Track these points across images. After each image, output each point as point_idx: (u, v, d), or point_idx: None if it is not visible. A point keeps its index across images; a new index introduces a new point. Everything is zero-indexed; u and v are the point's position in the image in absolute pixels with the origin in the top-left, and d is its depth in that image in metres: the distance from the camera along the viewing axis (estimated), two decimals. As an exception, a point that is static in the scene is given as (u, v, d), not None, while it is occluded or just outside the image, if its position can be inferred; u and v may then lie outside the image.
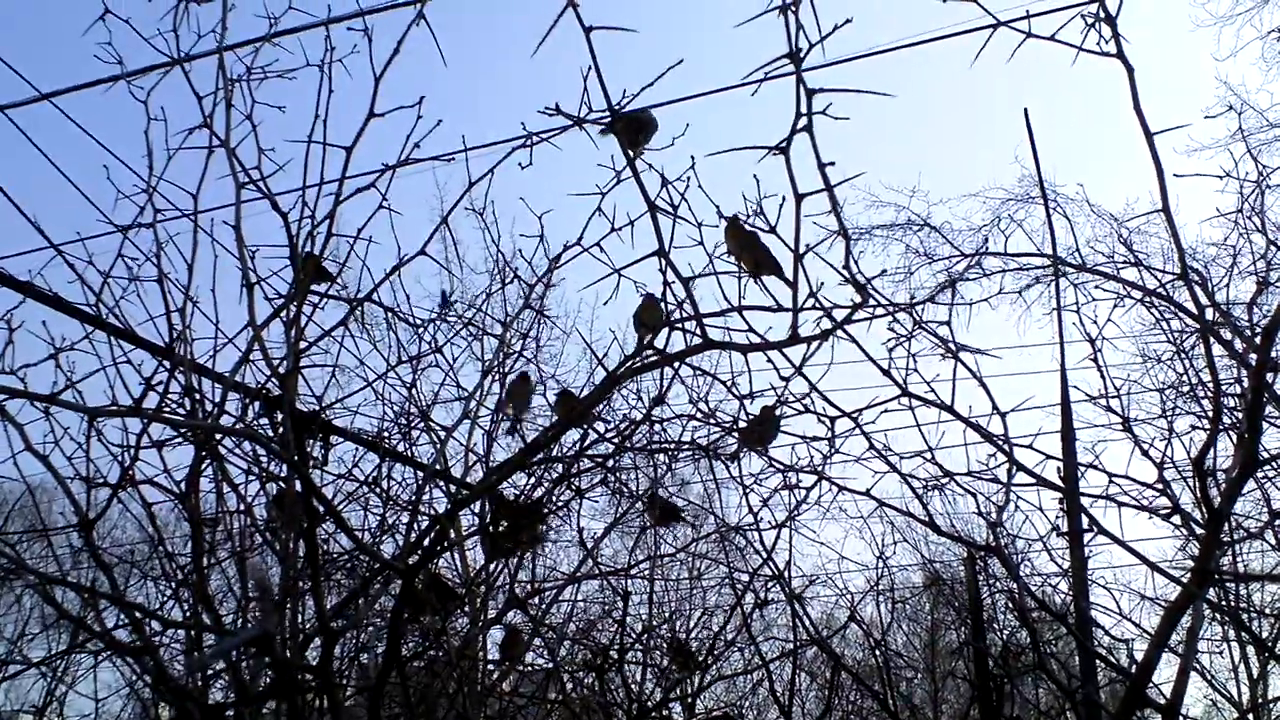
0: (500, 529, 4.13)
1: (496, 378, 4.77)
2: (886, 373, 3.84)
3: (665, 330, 3.57)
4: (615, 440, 4.24)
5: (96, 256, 4.25)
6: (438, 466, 4.39)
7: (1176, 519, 5.05)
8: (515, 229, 4.44)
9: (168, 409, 4.00)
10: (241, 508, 4.08)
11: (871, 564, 7.25)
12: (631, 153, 3.37)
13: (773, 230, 3.31)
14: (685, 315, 3.47)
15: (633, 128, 3.43)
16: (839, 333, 3.29)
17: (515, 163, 3.91)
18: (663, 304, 3.58)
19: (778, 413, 3.99)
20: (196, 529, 3.88)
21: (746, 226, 3.45)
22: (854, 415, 4.06)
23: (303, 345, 3.94)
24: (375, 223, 4.02)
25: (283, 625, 3.70)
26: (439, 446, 4.35)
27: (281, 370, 3.78)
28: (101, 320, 4.14)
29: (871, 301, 3.28)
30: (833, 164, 3.06)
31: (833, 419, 4.13)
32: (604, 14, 3.23)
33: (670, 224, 3.40)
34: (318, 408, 4.43)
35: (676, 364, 3.77)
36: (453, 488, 4.31)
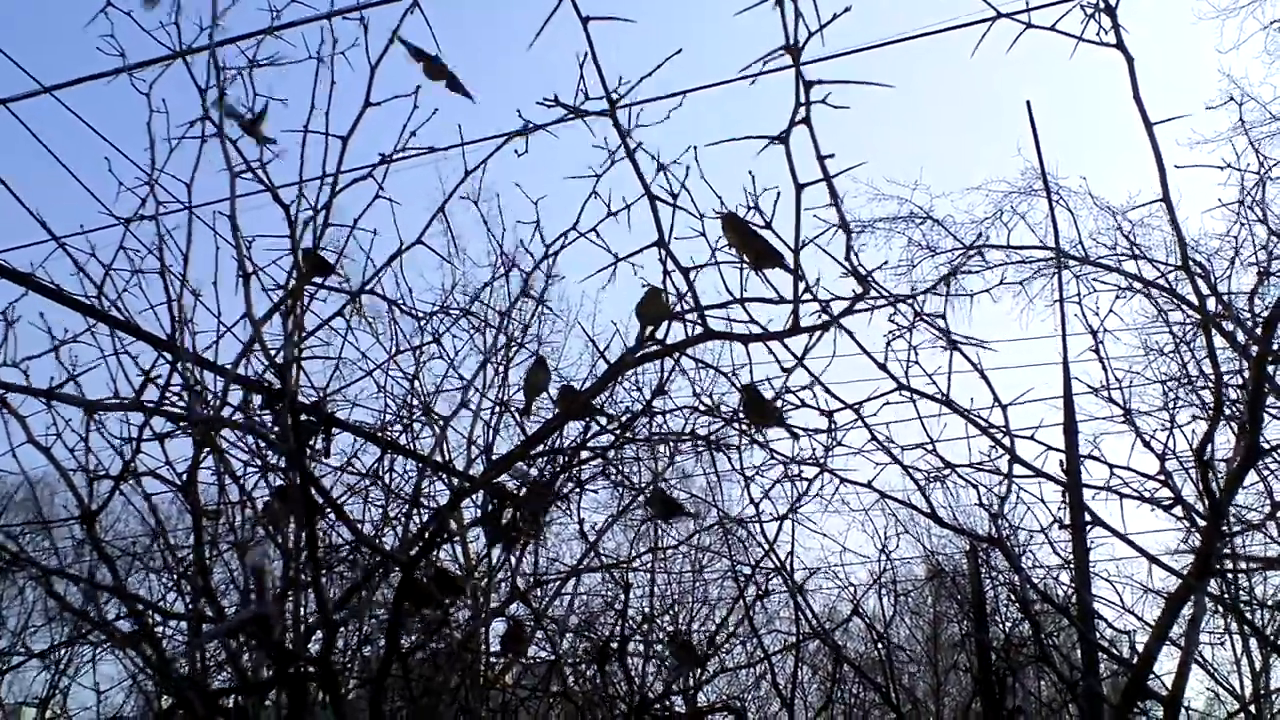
0: (502, 515, 4.13)
1: (497, 369, 4.77)
2: (883, 366, 3.84)
3: (667, 323, 3.57)
4: (617, 432, 4.23)
5: (98, 249, 4.25)
6: (438, 458, 4.39)
7: (1178, 510, 5.06)
8: (516, 223, 4.45)
9: (169, 402, 4.00)
10: (243, 500, 4.08)
11: (874, 556, 7.26)
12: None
13: (768, 225, 3.31)
14: (686, 307, 3.46)
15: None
16: (839, 325, 3.29)
17: (513, 152, 3.92)
18: (665, 295, 3.57)
19: (778, 403, 3.97)
20: (198, 521, 3.89)
21: (746, 220, 3.44)
22: (855, 407, 4.06)
23: (302, 337, 3.94)
24: (376, 214, 4.02)
25: (284, 617, 3.70)
26: (439, 438, 4.35)
27: (281, 362, 3.78)
28: (102, 312, 4.13)
29: (871, 293, 3.28)
30: (832, 155, 3.06)
31: (833, 411, 4.13)
32: (602, 4, 3.23)
33: (670, 214, 3.40)
34: (318, 399, 4.42)
35: (677, 355, 3.77)
36: (454, 480, 4.31)
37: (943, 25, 4.99)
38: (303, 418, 3.86)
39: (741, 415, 3.93)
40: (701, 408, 4.26)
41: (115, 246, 4.19)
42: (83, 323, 4.16)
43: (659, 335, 3.54)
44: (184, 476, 3.93)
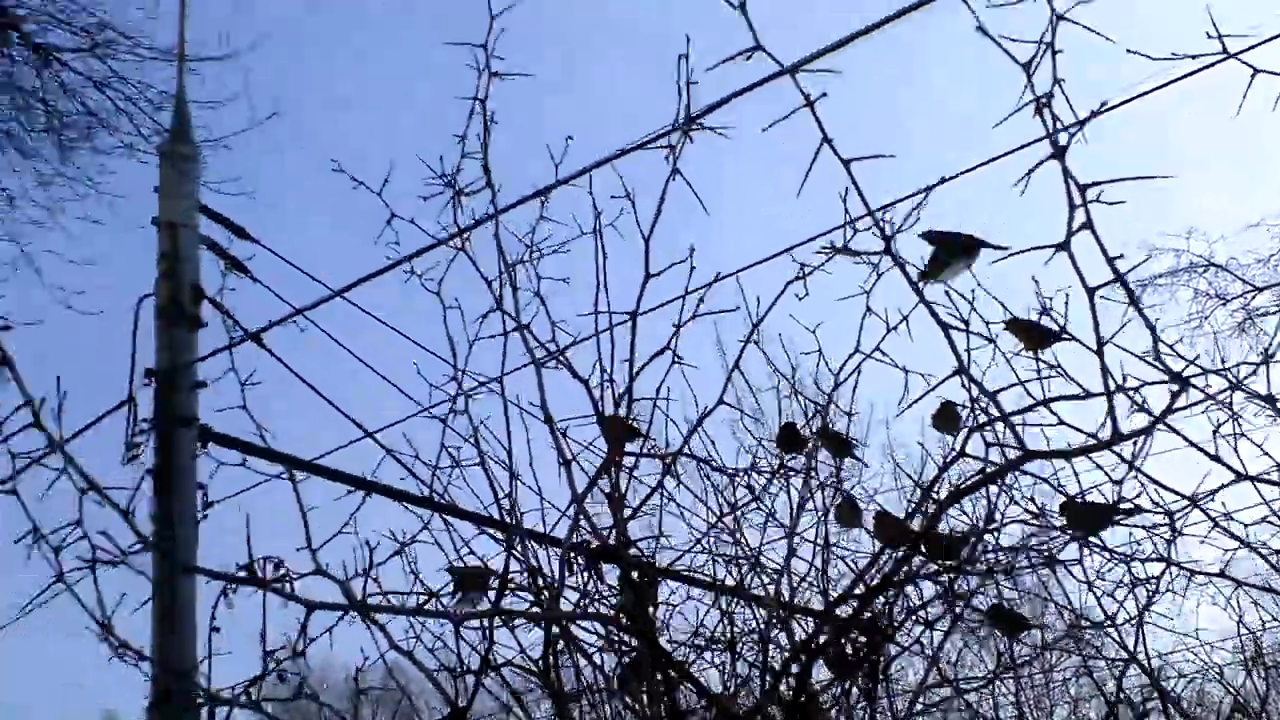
0: (844, 650, 4.12)
1: (809, 508, 4.78)
2: (1217, 458, 3.67)
3: (973, 434, 3.55)
4: (953, 565, 4.17)
5: (420, 448, 4.63)
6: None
7: None
8: (802, 361, 4.56)
9: (511, 585, 4.18)
10: (600, 680, 4.21)
11: (1230, 630, 6.84)
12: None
13: (1064, 330, 3.28)
14: (991, 417, 3.43)
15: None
16: (1166, 425, 3.18)
17: (793, 295, 4.07)
18: (957, 409, 3.58)
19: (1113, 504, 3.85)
20: (562, 706, 4.04)
21: (1033, 323, 3.41)
22: (1192, 498, 3.89)
23: (626, 511, 4.10)
24: (671, 375, 4.20)
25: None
26: (776, 589, 4.37)
27: (609, 538, 3.96)
28: (441, 504, 4.43)
29: (1191, 390, 3.16)
30: (1121, 256, 3.02)
31: (1173, 509, 3.96)
32: (844, 114, 3.29)
33: (964, 339, 3.40)
34: (647, 560, 4.53)
35: (1002, 482, 3.74)
36: (794, 623, 4.32)
37: (1181, 74, 4.78)
38: (636, 577, 4.00)
39: (1069, 530, 3.84)
40: (1029, 520, 4.17)
41: (435, 443, 4.49)
42: (415, 522, 4.45)
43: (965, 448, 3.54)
44: (540, 663, 4.10)
